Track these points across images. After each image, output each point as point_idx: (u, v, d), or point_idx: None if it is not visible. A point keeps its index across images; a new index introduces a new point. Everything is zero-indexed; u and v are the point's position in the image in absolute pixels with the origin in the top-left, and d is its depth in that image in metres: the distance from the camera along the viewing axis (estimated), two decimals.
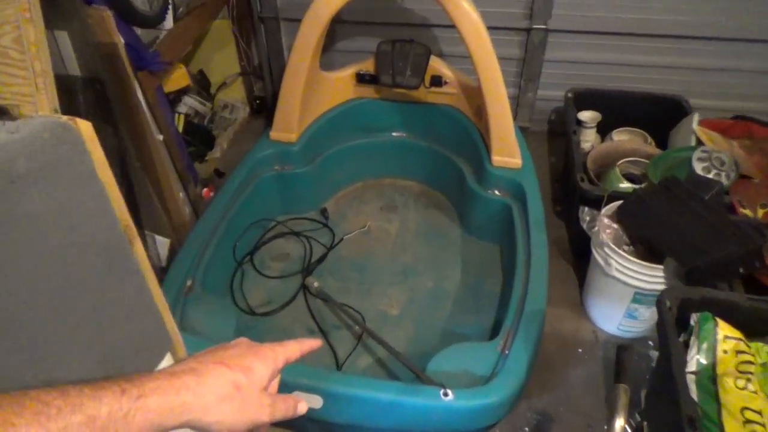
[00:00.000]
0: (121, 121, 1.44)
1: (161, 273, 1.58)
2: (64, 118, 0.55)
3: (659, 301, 1.13)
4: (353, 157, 2.10)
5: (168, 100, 1.98)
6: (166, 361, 0.80)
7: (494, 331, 1.64)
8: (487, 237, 1.92)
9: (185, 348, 1.31)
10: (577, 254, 1.86)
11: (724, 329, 1.11)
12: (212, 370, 0.50)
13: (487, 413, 1.23)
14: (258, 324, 1.67)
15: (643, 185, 1.65)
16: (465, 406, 1.20)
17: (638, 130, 1.98)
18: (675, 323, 1.12)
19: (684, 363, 1.06)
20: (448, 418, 1.22)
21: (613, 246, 1.46)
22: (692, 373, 1.08)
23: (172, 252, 1.71)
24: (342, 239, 1.94)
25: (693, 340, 1.12)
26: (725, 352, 1.10)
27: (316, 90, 1.94)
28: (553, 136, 2.44)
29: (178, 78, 2.00)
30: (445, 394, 1.20)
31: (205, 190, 2.09)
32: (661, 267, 1.42)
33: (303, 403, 0.60)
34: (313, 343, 0.63)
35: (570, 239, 1.92)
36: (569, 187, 1.86)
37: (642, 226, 1.48)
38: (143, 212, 1.56)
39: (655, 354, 1.57)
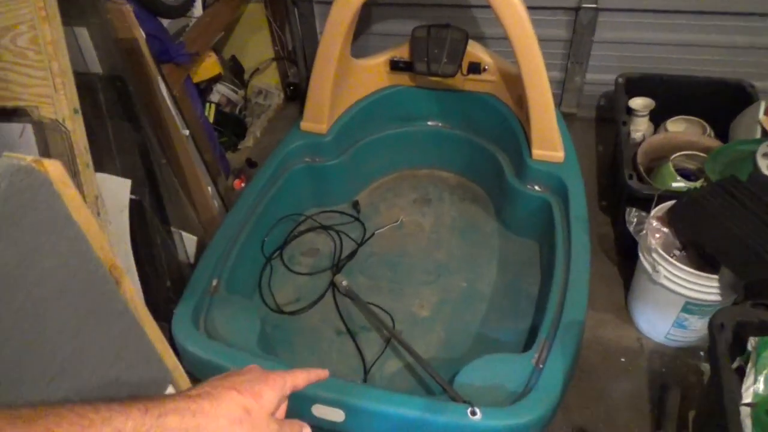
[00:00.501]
0: (145, 118, 1.40)
1: (190, 270, 1.56)
2: (29, 159, 0.50)
3: (711, 323, 1.03)
4: (387, 148, 2.02)
5: (198, 89, 1.95)
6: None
7: (530, 337, 1.56)
8: (525, 233, 1.82)
9: (210, 354, 1.30)
10: (624, 254, 1.74)
11: None
12: (225, 395, 0.55)
13: None
14: (285, 323, 1.63)
15: (698, 184, 1.51)
16: (493, 427, 1.13)
17: (696, 119, 1.82)
18: (729, 348, 1.01)
19: (738, 395, 0.95)
20: None
21: (662, 252, 1.34)
22: (748, 404, 0.97)
23: (201, 249, 1.69)
24: (373, 234, 1.88)
25: (750, 367, 1.01)
26: None
27: (347, 78, 1.86)
28: (601, 123, 2.29)
29: (209, 67, 1.95)
30: (473, 413, 1.13)
31: (237, 181, 2.06)
32: (716, 277, 1.29)
33: (307, 429, 0.63)
34: (321, 373, 0.67)
35: (616, 237, 1.80)
36: (617, 184, 1.73)
37: (696, 231, 1.35)
38: (170, 209, 1.53)
39: (706, 367, 1.46)
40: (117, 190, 1.37)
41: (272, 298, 1.69)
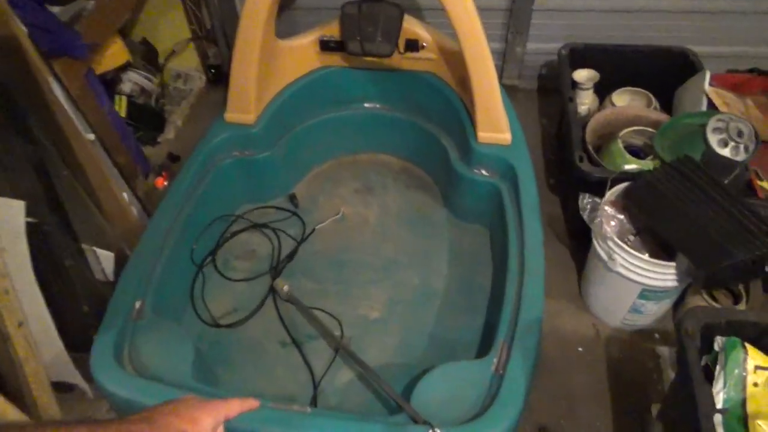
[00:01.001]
0: (37, 127, 1.20)
1: (111, 290, 1.39)
2: None
3: (678, 326, 0.97)
4: (322, 134, 1.87)
5: (105, 82, 1.73)
6: None
7: (486, 333, 1.49)
8: (475, 220, 1.73)
9: (135, 393, 1.15)
10: (575, 236, 1.69)
11: (755, 358, 0.95)
12: (163, 420, 0.59)
13: None
14: (224, 337, 1.50)
15: (650, 164, 1.45)
16: None
17: (641, 90, 1.76)
18: (698, 353, 0.96)
19: (712, 407, 0.90)
20: None
21: (618, 241, 1.28)
22: (719, 411, 0.93)
23: (122, 264, 1.51)
24: (314, 230, 1.75)
25: (719, 370, 0.96)
26: (756, 385, 0.94)
27: (273, 61, 1.69)
28: (544, 95, 2.21)
29: (115, 54, 1.74)
30: None
31: (159, 179, 1.87)
32: (673, 264, 1.25)
33: None
34: (253, 403, 0.72)
35: (566, 219, 1.74)
36: (565, 163, 1.66)
37: (651, 217, 1.30)
38: (78, 225, 1.35)
39: (663, 351, 1.43)
40: (9, 214, 1.18)
41: (207, 311, 1.54)
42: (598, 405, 1.34)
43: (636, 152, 1.56)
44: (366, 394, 1.39)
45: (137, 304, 1.32)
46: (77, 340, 1.42)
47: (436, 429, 1.05)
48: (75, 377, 1.44)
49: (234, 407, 0.67)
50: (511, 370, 1.16)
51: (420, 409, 1.12)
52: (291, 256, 1.67)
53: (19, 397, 1.28)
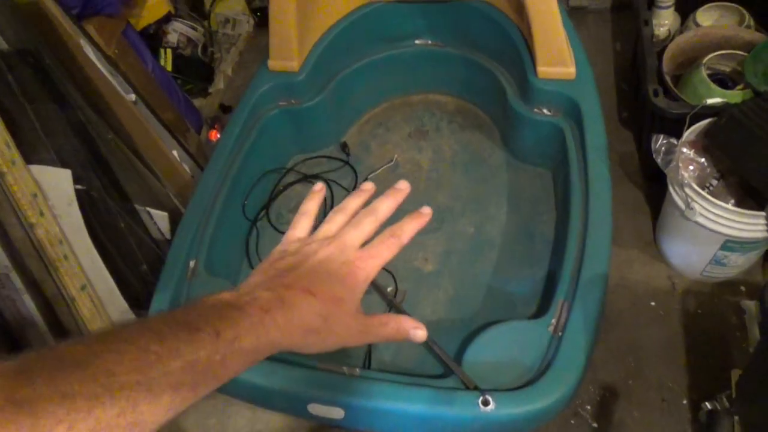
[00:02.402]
0: (74, 93, 1.19)
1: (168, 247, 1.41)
2: None
3: (762, 296, 0.84)
4: (371, 77, 1.77)
5: (148, 36, 1.70)
6: None
7: (548, 287, 1.41)
8: (537, 162, 1.60)
9: None
10: (650, 176, 1.53)
11: None
12: (301, 302, 0.47)
13: (536, 419, 1.03)
14: None
15: (737, 95, 1.26)
16: (509, 416, 1.00)
17: (732, 4, 1.52)
18: None
19: None
20: (489, 428, 1.03)
21: (697, 188, 1.14)
22: None
23: (176, 222, 1.53)
24: (366, 179, 1.68)
25: None
26: None
27: (315, 1, 1.59)
28: (618, 14, 1.97)
29: (155, 6, 1.69)
30: (485, 402, 1.00)
31: (212, 131, 1.85)
32: (763, 213, 1.09)
33: (410, 326, 0.56)
34: (414, 226, 0.58)
35: (640, 157, 1.58)
36: (640, 97, 1.48)
37: (737, 159, 1.14)
38: (130, 188, 1.36)
39: (748, 305, 1.29)
40: (58, 182, 1.20)
41: None
42: (670, 364, 1.25)
43: (723, 81, 1.36)
44: (420, 350, 1.36)
45: (191, 264, 1.34)
46: (141, 297, 1.47)
47: (486, 396, 1.01)
48: None
49: (387, 250, 0.54)
50: (571, 332, 1.09)
51: (472, 373, 1.07)
52: None
53: None
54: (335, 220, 0.59)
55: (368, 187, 0.62)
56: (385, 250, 0.55)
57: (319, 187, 0.65)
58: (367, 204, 0.61)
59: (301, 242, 0.57)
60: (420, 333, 0.55)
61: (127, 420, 0.35)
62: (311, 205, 0.63)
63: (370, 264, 0.53)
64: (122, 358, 0.36)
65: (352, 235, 0.55)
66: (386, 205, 0.59)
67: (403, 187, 0.61)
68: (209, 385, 0.41)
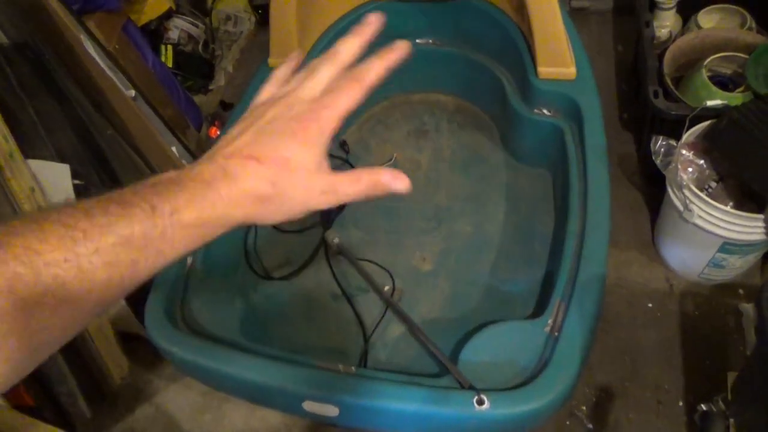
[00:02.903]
0: (73, 88, 1.19)
1: None
2: None
3: (759, 300, 0.84)
4: None
5: (149, 32, 1.70)
6: None
7: (546, 287, 1.41)
8: (536, 163, 1.60)
9: (185, 351, 1.18)
10: (649, 178, 1.52)
11: None
12: (243, 170, 0.43)
13: (531, 419, 1.03)
14: (277, 291, 1.50)
15: (738, 97, 1.26)
16: (504, 415, 1.00)
17: (734, 7, 1.51)
18: None
19: None
20: (484, 427, 1.03)
21: (695, 190, 1.13)
22: None
23: None
24: None
25: None
26: None
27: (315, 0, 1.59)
28: (620, 16, 1.97)
29: (156, 2, 1.69)
30: (480, 402, 1.00)
31: (212, 128, 1.85)
32: (761, 216, 1.09)
33: (389, 177, 0.47)
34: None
35: (640, 158, 1.58)
36: (640, 98, 1.48)
37: (736, 161, 1.14)
38: (128, 184, 1.35)
39: (745, 308, 1.29)
40: (56, 177, 1.20)
41: (260, 264, 1.55)
42: (666, 366, 1.25)
43: (724, 83, 1.36)
44: (417, 349, 1.35)
45: (189, 261, 1.34)
46: (138, 294, 1.47)
47: (481, 395, 1.01)
48: (140, 329, 1.50)
49: (347, 98, 0.45)
50: (567, 333, 1.08)
51: (467, 373, 1.07)
52: (342, 206, 1.63)
53: (86, 349, 1.35)
54: (297, 77, 0.49)
55: (372, 19, 0.49)
56: (343, 97, 0.45)
57: (295, 54, 0.55)
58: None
59: (255, 106, 0.49)
60: (400, 183, 0.47)
61: (57, 298, 0.34)
62: (282, 70, 0.53)
63: (325, 115, 0.45)
64: (46, 236, 0.34)
65: (305, 87, 0.47)
66: (349, 45, 0.48)
67: (373, 20, 0.49)
68: (152, 261, 0.39)
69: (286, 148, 0.44)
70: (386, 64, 0.47)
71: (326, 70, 0.47)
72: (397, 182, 0.47)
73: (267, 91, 0.52)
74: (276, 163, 0.43)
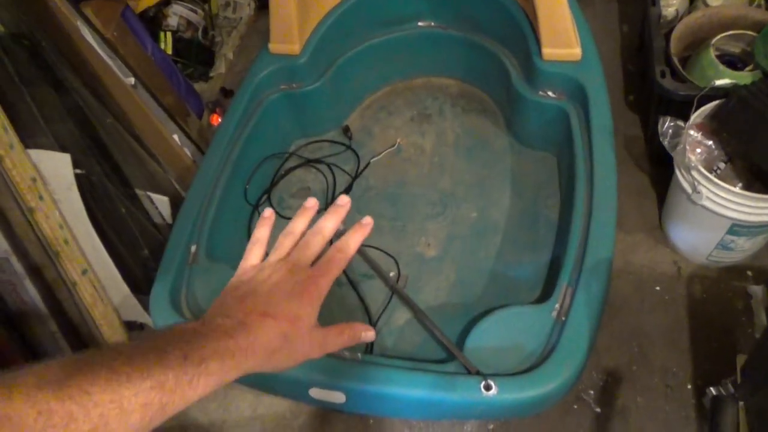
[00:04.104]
0: (71, 77, 1.18)
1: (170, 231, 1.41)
2: None
3: None
4: (373, 60, 1.75)
5: (148, 19, 1.68)
6: None
7: (552, 272, 1.40)
8: (542, 146, 1.58)
9: None
10: (656, 160, 1.51)
11: None
12: (261, 325, 0.51)
13: (538, 404, 1.02)
14: None
15: (747, 76, 1.24)
16: (511, 400, 1.00)
17: None
18: None
19: None
20: (491, 412, 1.03)
21: (704, 171, 1.12)
22: None
23: (178, 207, 1.52)
24: (369, 163, 1.67)
25: None
26: None
27: None
28: None
29: None
30: (487, 387, 1.00)
31: (213, 116, 1.84)
32: None
33: (362, 330, 0.63)
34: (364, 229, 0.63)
35: (646, 140, 1.56)
36: (646, 79, 1.46)
37: (745, 141, 1.12)
38: (131, 173, 1.35)
39: (754, 290, 1.28)
40: (57, 167, 1.19)
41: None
42: (674, 349, 1.24)
43: (732, 62, 1.34)
44: (423, 335, 1.35)
45: (192, 248, 1.33)
46: (142, 282, 1.47)
47: (488, 380, 1.00)
48: (144, 317, 1.50)
49: (334, 269, 0.59)
50: (574, 317, 1.08)
51: (473, 358, 1.07)
52: (346, 191, 1.62)
53: (91, 340, 1.35)
54: (284, 244, 0.63)
55: (343, 201, 0.65)
56: (334, 266, 0.59)
57: (268, 213, 0.70)
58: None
59: (255, 269, 0.61)
60: (369, 334, 0.63)
61: None
62: (262, 232, 0.67)
63: (322, 281, 0.57)
64: (96, 378, 0.38)
65: (302, 256, 0.60)
66: (331, 223, 0.63)
67: (343, 202, 0.64)
68: (177, 405, 0.43)
69: (295, 307, 0.54)
70: (362, 238, 0.63)
71: (317, 243, 0.61)
72: (368, 333, 0.64)
73: (255, 255, 0.66)
74: (288, 320, 0.53)
